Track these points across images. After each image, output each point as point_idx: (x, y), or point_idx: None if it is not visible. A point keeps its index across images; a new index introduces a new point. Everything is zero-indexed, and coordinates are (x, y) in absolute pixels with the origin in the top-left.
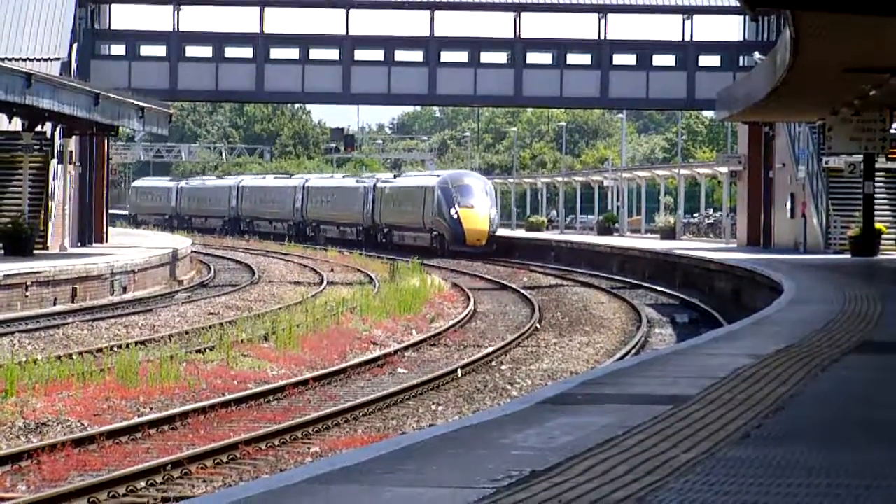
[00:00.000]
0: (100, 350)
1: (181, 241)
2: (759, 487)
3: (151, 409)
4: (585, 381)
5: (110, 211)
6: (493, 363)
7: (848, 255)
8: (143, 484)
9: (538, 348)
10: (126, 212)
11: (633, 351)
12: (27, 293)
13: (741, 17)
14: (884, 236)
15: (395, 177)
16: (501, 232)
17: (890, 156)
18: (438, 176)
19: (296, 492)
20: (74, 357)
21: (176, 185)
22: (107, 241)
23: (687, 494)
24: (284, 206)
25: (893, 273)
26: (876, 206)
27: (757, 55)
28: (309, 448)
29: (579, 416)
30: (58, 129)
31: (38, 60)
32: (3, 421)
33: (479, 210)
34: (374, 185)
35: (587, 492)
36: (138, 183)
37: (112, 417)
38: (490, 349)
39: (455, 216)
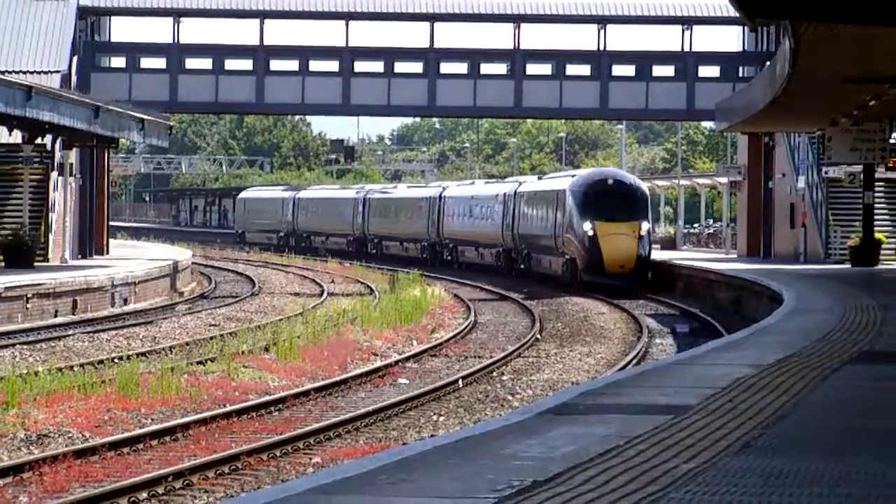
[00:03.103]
0: (101, 362)
1: (181, 253)
2: (760, 497)
3: (153, 420)
4: (586, 392)
5: (111, 223)
6: (494, 374)
7: (848, 265)
8: (144, 495)
9: (539, 359)
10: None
11: (634, 361)
12: (28, 305)
13: (740, 28)
14: (884, 246)
15: (538, 178)
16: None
17: (889, 166)
18: (573, 176)
19: (297, 502)
20: (75, 369)
21: (293, 196)
22: (107, 252)
23: None
24: (416, 223)
25: (893, 283)
26: (876, 216)
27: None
28: (310, 459)
29: (580, 426)
30: (58, 141)
31: (39, 73)
32: (5, 433)
33: (624, 224)
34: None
35: (588, 501)
36: (246, 194)
37: (113, 429)
38: (491, 360)
39: (590, 233)
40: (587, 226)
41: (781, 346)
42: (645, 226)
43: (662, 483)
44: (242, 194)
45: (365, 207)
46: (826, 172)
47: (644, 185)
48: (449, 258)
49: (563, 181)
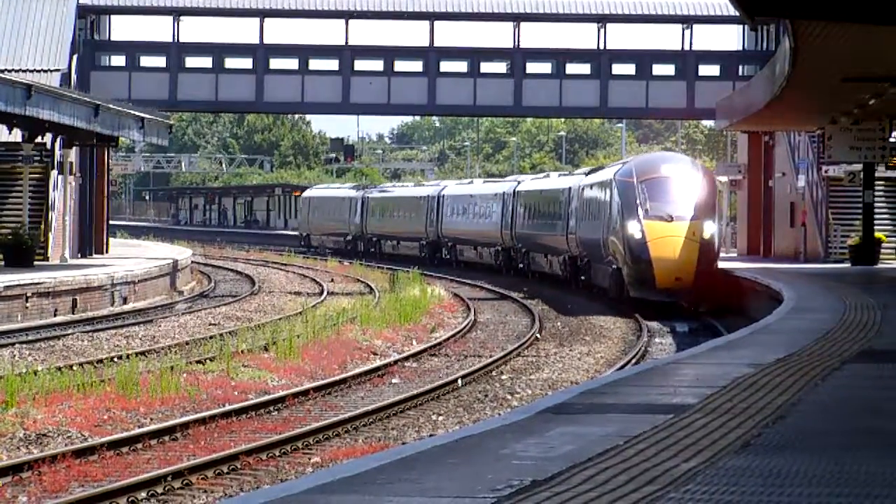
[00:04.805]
0: (100, 361)
1: (181, 252)
2: (760, 497)
3: (152, 419)
4: (586, 391)
5: (111, 222)
6: (494, 373)
7: (848, 264)
8: (143, 495)
9: (538, 358)
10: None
11: (634, 361)
12: (27, 304)
13: (740, 27)
14: (884, 245)
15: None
16: None
17: (889, 165)
18: (624, 164)
19: (297, 502)
20: (75, 368)
21: (361, 196)
22: (107, 251)
23: (688, 503)
24: (487, 225)
25: (893, 282)
26: (876, 215)
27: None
28: (309, 458)
29: (580, 425)
30: (58, 140)
31: (39, 72)
32: (4, 432)
33: (681, 224)
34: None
35: (588, 501)
36: (312, 192)
37: (113, 428)
38: (490, 359)
39: (638, 236)
40: (633, 226)
41: (781, 346)
42: (709, 227)
43: (662, 483)
44: (307, 192)
45: (439, 206)
46: (826, 171)
47: (708, 174)
48: (521, 266)
49: (571, 179)
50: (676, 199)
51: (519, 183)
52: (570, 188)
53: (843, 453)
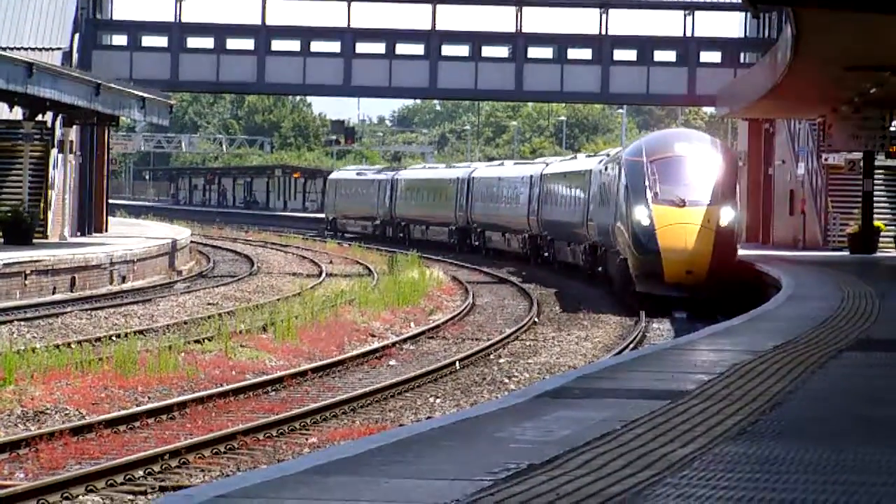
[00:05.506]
0: (98, 339)
1: (180, 232)
2: (756, 483)
3: (150, 398)
4: (583, 376)
5: (110, 201)
6: (492, 356)
7: (846, 253)
8: (140, 473)
9: (536, 342)
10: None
11: (631, 346)
12: (26, 282)
13: (742, 14)
14: (882, 234)
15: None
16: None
17: (889, 153)
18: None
19: (294, 482)
20: (73, 346)
21: (390, 178)
22: (106, 230)
23: (684, 489)
24: (516, 210)
25: (891, 270)
26: (875, 204)
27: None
28: (307, 439)
29: (577, 410)
30: (58, 118)
31: (40, 50)
32: (2, 409)
33: (695, 210)
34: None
35: (585, 485)
36: (337, 175)
37: (110, 406)
38: (488, 342)
39: (645, 223)
40: (640, 212)
41: (779, 333)
42: (727, 214)
43: (658, 468)
44: (334, 174)
45: (469, 190)
46: (826, 159)
47: (731, 155)
48: (546, 255)
49: (592, 161)
50: (691, 182)
51: (547, 165)
52: (590, 171)
53: (840, 441)
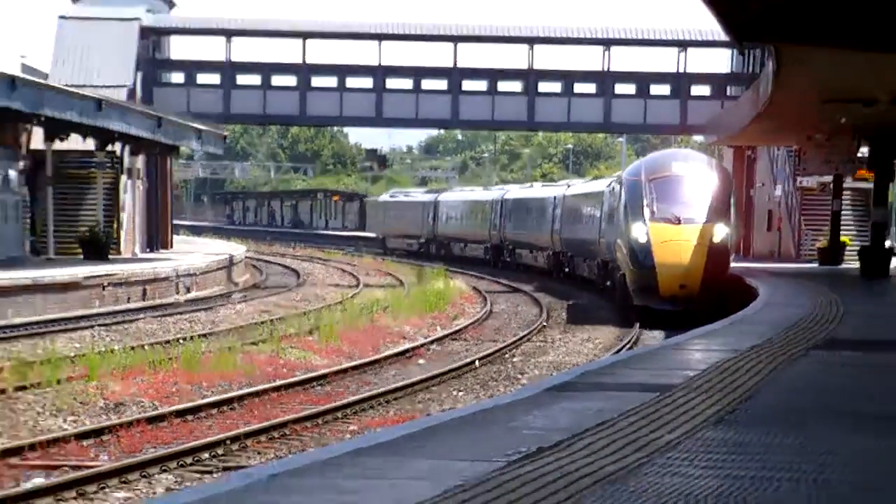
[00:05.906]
0: (168, 342)
1: (236, 249)
2: (733, 463)
3: (213, 392)
4: (586, 372)
5: (173, 221)
6: (507, 355)
7: (816, 264)
8: (206, 455)
9: (545, 343)
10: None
11: (628, 346)
12: (104, 292)
13: (730, 51)
14: (848, 248)
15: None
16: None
17: (855, 177)
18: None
19: (337, 463)
20: (146, 347)
21: (433, 200)
22: (171, 247)
23: (670, 468)
24: (542, 229)
25: (854, 280)
26: (842, 221)
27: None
28: (348, 426)
29: (580, 401)
30: (126, 148)
31: (108, 87)
32: (87, 401)
33: (689, 228)
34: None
35: (586, 465)
36: (385, 197)
37: (179, 399)
38: (503, 343)
39: (642, 239)
40: (637, 229)
41: (756, 335)
42: (720, 231)
43: (648, 450)
44: (382, 196)
45: (502, 210)
46: (800, 182)
47: (723, 170)
48: (566, 270)
49: (605, 181)
50: (687, 201)
51: (569, 187)
52: (603, 191)
53: (805, 428)
